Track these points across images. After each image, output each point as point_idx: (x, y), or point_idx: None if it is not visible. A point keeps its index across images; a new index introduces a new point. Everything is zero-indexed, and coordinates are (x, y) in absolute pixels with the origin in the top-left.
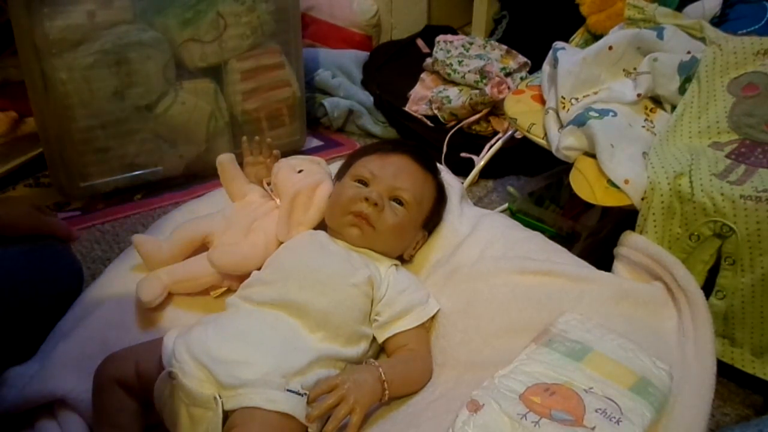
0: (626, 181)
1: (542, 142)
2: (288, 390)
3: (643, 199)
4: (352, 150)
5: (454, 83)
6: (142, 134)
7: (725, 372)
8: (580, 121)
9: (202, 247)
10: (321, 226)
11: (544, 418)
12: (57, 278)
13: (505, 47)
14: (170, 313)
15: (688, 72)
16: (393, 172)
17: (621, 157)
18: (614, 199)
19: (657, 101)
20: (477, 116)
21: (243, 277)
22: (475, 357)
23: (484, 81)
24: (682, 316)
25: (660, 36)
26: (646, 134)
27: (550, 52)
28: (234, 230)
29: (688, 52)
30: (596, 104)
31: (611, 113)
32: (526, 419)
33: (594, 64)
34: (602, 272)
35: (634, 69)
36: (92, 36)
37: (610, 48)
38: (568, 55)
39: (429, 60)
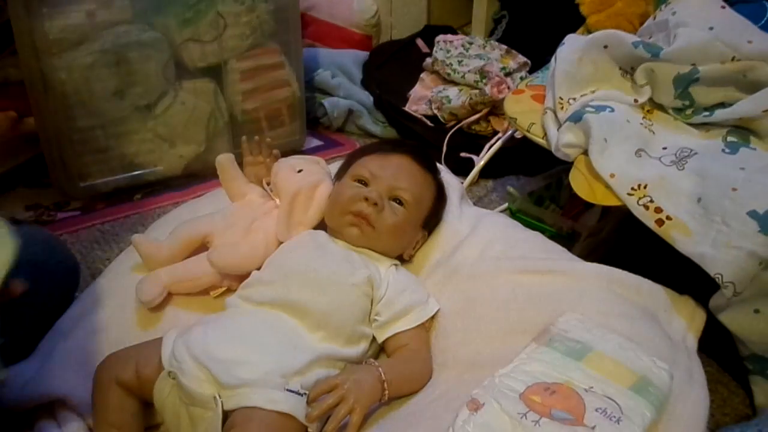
0: (612, 175)
1: (542, 141)
2: (288, 390)
3: (629, 194)
4: (351, 150)
5: (454, 83)
6: (142, 134)
7: (725, 372)
8: (576, 117)
9: (202, 247)
10: (321, 226)
11: (544, 417)
12: (53, 272)
13: (504, 47)
14: (170, 313)
15: (685, 84)
16: (393, 172)
17: (612, 152)
18: (614, 199)
19: (656, 102)
20: (477, 116)
21: (243, 277)
22: (475, 357)
23: (484, 81)
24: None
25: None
26: (644, 131)
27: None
28: (234, 230)
29: (693, 64)
30: (594, 102)
31: (608, 109)
32: (526, 418)
33: (590, 63)
34: (602, 271)
35: (632, 68)
36: (92, 36)
37: (605, 47)
38: (564, 52)
39: (429, 60)
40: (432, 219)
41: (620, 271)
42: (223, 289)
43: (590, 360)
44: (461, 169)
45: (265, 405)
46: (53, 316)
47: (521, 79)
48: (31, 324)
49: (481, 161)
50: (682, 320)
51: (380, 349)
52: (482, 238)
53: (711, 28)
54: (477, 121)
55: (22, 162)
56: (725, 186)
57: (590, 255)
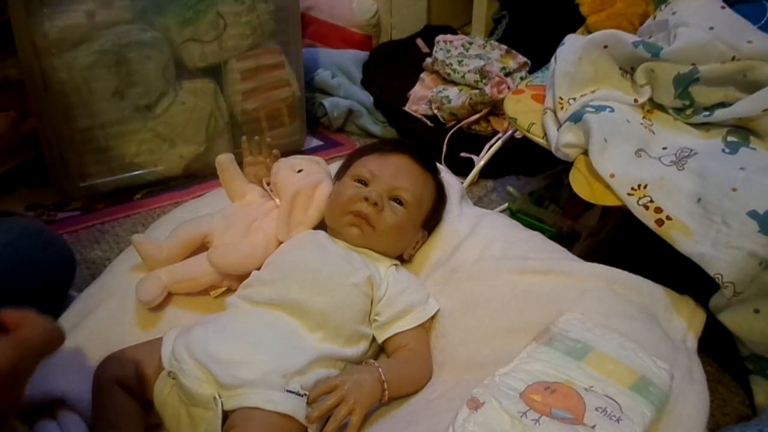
0: (611, 175)
1: (542, 141)
2: (288, 390)
3: (629, 194)
4: (351, 150)
5: (454, 83)
6: (142, 134)
7: (725, 372)
8: (576, 117)
9: (202, 247)
10: (321, 226)
11: (544, 416)
12: (48, 265)
13: (504, 47)
14: (170, 313)
15: (685, 84)
16: (393, 172)
17: (612, 152)
18: (614, 199)
19: (655, 102)
20: (477, 116)
21: (243, 277)
22: (475, 357)
23: (484, 81)
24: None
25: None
26: (644, 131)
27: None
28: (234, 230)
29: (693, 64)
30: (593, 102)
31: (608, 109)
32: (526, 417)
33: (590, 63)
34: (602, 271)
35: (632, 68)
36: (92, 36)
37: (605, 47)
38: (564, 52)
39: (429, 60)
40: (432, 219)
41: (620, 271)
42: (223, 289)
43: (590, 359)
44: (461, 169)
45: (264, 405)
46: (49, 311)
47: (521, 79)
48: None
49: (481, 161)
50: (682, 320)
51: (380, 349)
52: (482, 238)
53: (711, 28)
54: (477, 121)
55: (22, 162)
56: (725, 186)
57: (590, 255)
